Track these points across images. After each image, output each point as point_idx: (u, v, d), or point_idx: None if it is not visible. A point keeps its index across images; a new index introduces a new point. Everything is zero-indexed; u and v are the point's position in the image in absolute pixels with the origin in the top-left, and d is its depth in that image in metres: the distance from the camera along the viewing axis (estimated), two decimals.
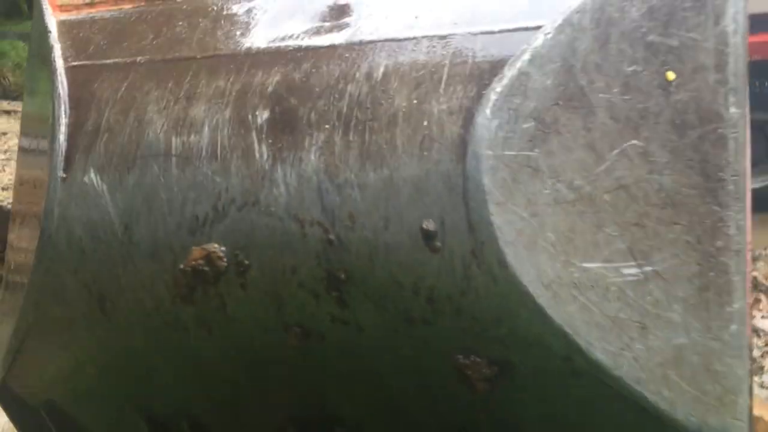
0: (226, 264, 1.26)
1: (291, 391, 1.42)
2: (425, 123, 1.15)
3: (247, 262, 1.26)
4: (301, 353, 1.32)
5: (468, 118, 1.11)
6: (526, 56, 1.12)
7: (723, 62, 1.20)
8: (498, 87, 1.10)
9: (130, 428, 1.66)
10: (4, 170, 11.59)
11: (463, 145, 1.11)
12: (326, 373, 1.36)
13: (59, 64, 1.46)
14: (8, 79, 24.04)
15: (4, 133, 14.18)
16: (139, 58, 1.42)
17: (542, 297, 1.10)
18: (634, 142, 1.17)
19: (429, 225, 1.13)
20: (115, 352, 1.52)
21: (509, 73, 1.10)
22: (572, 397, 1.21)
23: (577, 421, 1.25)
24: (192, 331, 1.38)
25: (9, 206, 10.02)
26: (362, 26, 1.29)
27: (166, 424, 1.62)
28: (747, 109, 1.22)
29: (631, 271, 1.16)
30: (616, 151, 1.16)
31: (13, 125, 15.42)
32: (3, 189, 10.65)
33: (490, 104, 1.08)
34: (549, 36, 1.14)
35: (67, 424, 1.72)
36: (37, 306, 1.50)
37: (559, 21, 1.14)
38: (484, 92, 1.10)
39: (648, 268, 1.16)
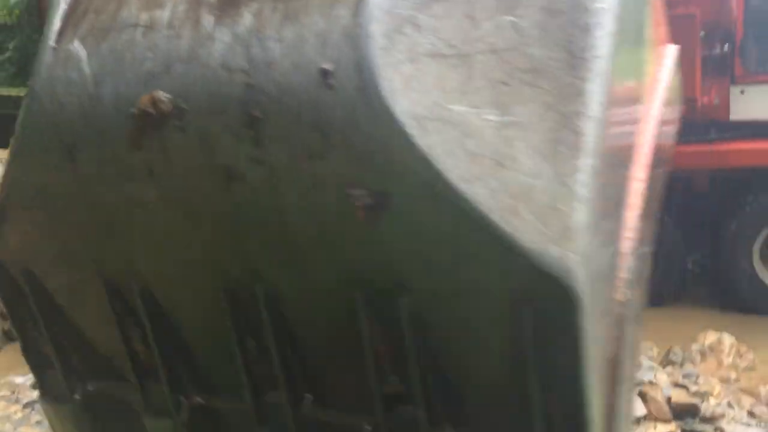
0: (169, 108, 1.52)
1: (219, 238, 1.64)
2: None
3: (185, 106, 1.52)
4: (226, 195, 1.55)
5: None
6: None
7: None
8: None
9: (92, 294, 1.90)
10: None
11: (360, 4, 1.37)
12: (247, 217, 1.57)
13: None
14: None
15: None
16: None
17: (411, 128, 1.31)
18: (509, 17, 1.43)
19: (327, 66, 1.37)
20: (78, 208, 1.76)
21: None
22: (437, 228, 1.39)
23: (443, 259, 1.44)
24: (139, 179, 1.62)
25: None
26: None
27: (121, 288, 1.86)
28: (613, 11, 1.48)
29: (492, 117, 1.38)
30: (491, 23, 1.42)
31: None
32: None
33: None
34: None
35: (41, 292, 1.98)
36: (19, 167, 1.77)
37: None
38: None
39: (508, 118, 1.39)
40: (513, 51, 1.41)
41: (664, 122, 1.87)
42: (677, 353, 5.86)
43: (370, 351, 1.62)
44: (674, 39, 6.71)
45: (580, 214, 1.37)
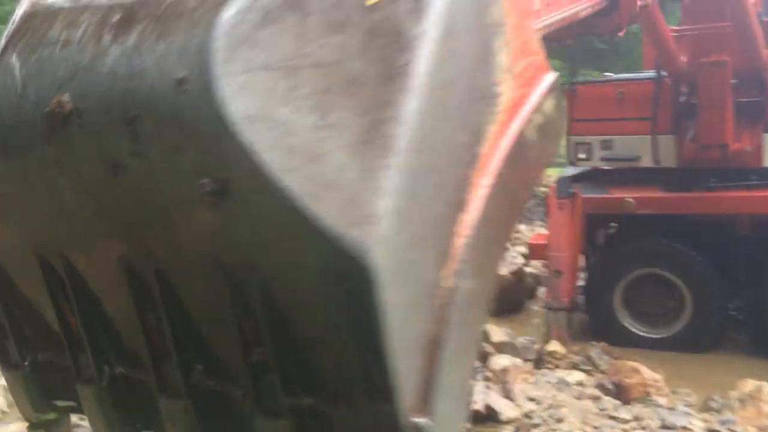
0: (71, 108, 1.80)
1: (115, 220, 1.91)
2: (196, 14, 1.68)
3: (83, 107, 1.80)
4: (116, 182, 1.81)
5: (219, 9, 1.61)
6: None
7: (478, 31, 1.84)
8: None
9: (32, 272, 2.19)
10: None
11: (213, 24, 1.61)
12: (133, 202, 1.83)
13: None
14: None
15: None
16: None
17: (242, 126, 1.54)
18: (337, 37, 1.66)
19: (181, 75, 1.62)
20: (13, 195, 2.09)
21: None
22: (266, 213, 1.61)
23: (273, 241, 1.67)
24: (52, 168, 1.92)
25: None
26: None
27: (51, 263, 2.15)
28: (431, 29, 1.74)
29: (310, 120, 1.60)
30: (319, 41, 1.65)
31: None
32: None
33: (233, 7, 1.61)
34: None
35: (7, 281, 2.32)
36: None
37: None
38: None
39: (324, 121, 1.60)
40: (336, 65, 1.66)
41: (523, 139, 2.05)
42: (717, 400, 5.74)
43: (234, 325, 1.84)
44: (706, 85, 6.79)
45: (382, 204, 1.60)
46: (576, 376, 5.44)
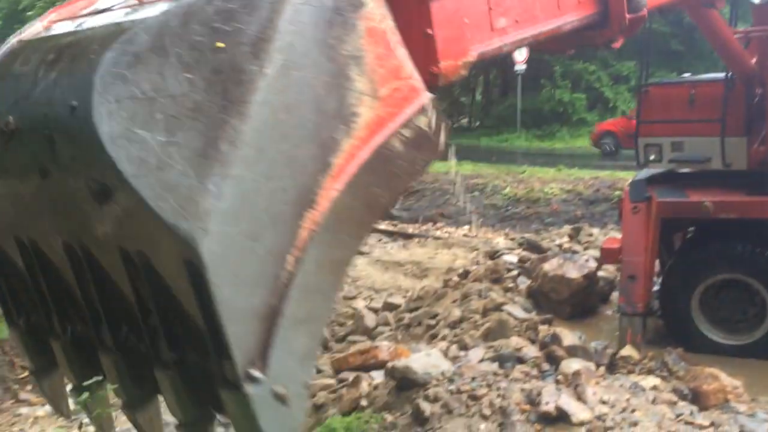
0: (14, 127, 2.31)
1: (47, 211, 2.50)
2: (91, 55, 2.15)
3: (21, 126, 2.30)
4: (44, 184, 2.36)
5: (103, 52, 2.08)
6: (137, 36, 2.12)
7: (257, 42, 2.18)
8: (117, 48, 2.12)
9: (15, 254, 2.84)
10: None
11: (95, 63, 2.08)
12: (57, 198, 2.39)
13: None
14: None
15: None
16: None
17: (109, 143, 2.00)
18: (187, 74, 2.10)
19: (74, 102, 2.09)
20: None
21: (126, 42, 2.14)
22: (130, 209, 2.10)
23: (139, 230, 2.18)
24: (10, 171, 2.51)
25: None
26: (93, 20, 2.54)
27: (30, 246, 2.76)
28: (268, 66, 2.17)
29: (162, 138, 2.06)
30: (175, 78, 2.09)
31: None
32: None
33: (112, 51, 2.11)
34: (143, 27, 2.15)
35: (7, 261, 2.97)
36: None
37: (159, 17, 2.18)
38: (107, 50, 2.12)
39: (172, 139, 2.07)
40: (184, 96, 2.10)
41: (388, 151, 2.42)
42: None
43: (135, 297, 2.47)
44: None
45: (213, 204, 2.07)
46: (651, 381, 5.33)
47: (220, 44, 2.14)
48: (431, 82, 2.70)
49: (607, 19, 3.79)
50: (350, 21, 2.34)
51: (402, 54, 2.47)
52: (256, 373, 2.16)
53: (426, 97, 2.50)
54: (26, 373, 9.03)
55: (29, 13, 39.14)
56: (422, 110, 2.47)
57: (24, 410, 8.08)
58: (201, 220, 2.03)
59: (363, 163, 2.34)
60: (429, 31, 2.69)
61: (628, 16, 3.82)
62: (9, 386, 8.73)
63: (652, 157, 7.37)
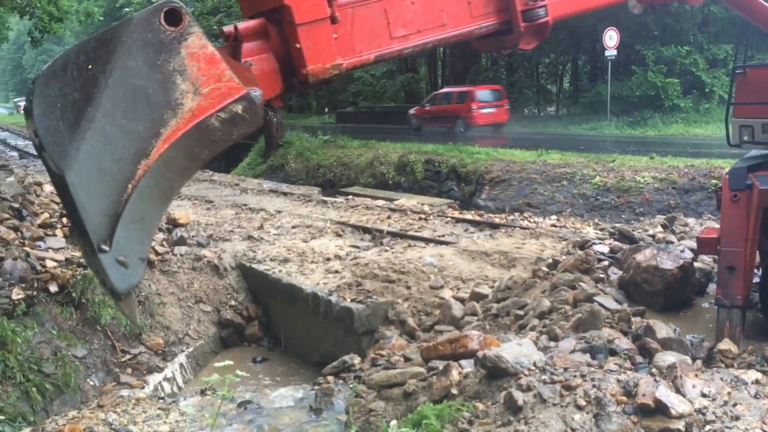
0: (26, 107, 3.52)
1: None
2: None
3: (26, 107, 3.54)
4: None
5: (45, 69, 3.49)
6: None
7: (105, 64, 3.40)
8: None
9: None
10: (274, 243, 13.47)
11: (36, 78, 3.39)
12: None
13: None
14: (291, 165, 27.61)
15: (279, 211, 16.41)
16: None
17: (37, 119, 3.41)
18: (73, 83, 3.36)
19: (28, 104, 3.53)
20: None
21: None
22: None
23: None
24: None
25: (276, 275, 11.54)
26: None
27: None
28: (109, 77, 3.42)
29: (58, 117, 3.35)
30: (68, 85, 3.36)
31: (287, 205, 17.75)
32: (272, 260, 12.40)
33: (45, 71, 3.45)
34: (59, 56, 3.47)
35: None
36: None
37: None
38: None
39: (61, 118, 3.35)
40: (70, 95, 3.37)
41: (206, 125, 3.58)
42: None
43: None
44: None
45: (76, 150, 3.36)
46: (752, 375, 5.16)
47: (90, 66, 3.38)
48: (306, 78, 3.91)
49: (510, 29, 4.49)
50: (175, 49, 3.45)
51: (222, 66, 3.57)
52: (105, 247, 3.41)
53: (242, 92, 3.58)
54: (127, 357, 9.50)
55: (127, 9, 40.80)
56: (238, 100, 3.56)
57: (125, 392, 8.47)
58: (67, 162, 3.32)
59: (185, 132, 3.51)
60: (297, 45, 3.86)
61: (522, 24, 4.46)
62: (111, 369, 9.18)
63: (745, 138, 7.16)
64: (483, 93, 31.22)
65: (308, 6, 3.80)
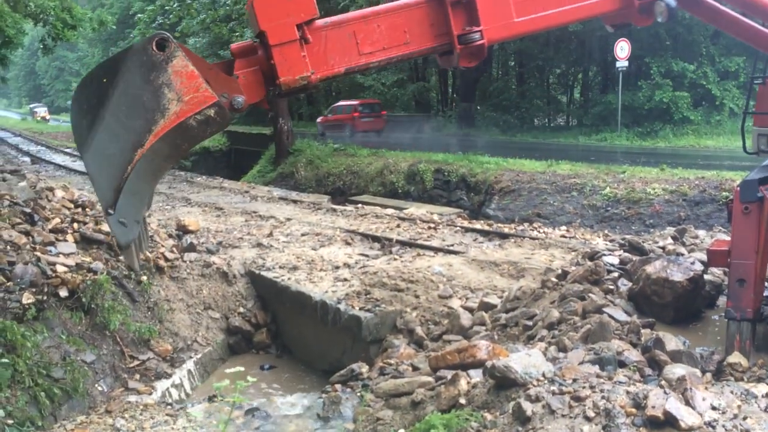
0: None
1: None
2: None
3: None
4: None
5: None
6: None
7: (112, 79, 4.46)
8: None
9: None
10: (283, 251, 13.49)
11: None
12: None
13: None
14: (301, 173, 27.68)
15: (289, 219, 16.44)
16: None
17: (72, 113, 4.70)
18: (95, 92, 4.49)
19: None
20: None
21: None
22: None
23: None
24: None
25: (285, 283, 11.56)
26: None
27: None
28: (114, 89, 4.49)
29: (84, 115, 4.53)
30: (91, 93, 4.51)
31: (297, 213, 17.78)
32: (281, 267, 12.41)
33: (80, 83, 4.82)
34: (89, 73, 4.75)
35: None
36: None
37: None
38: None
39: (87, 116, 4.51)
40: (92, 100, 4.47)
41: (186, 125, 4.53)
42: None
43: None
44: None
45: (88, 143, 4.49)
46: (762, 388, 5.13)
47: (104, 80, 4.45)
48: (281, 87, 4.80)
49: (454, 48, 5.22)
50: (163, 68, 4.43)
51: (199, 81, 4.48)
52: (111, 211, 4.42)
53: (215, 100, 4.52)
54: (135, 363, 9.53)
55: (140, 15, 41.06)
56: (211, 106, 4.51)
57: (133, 398, 8.49)
58: (85, 149, 4.47)
59: (170, 129, 4.46)
60: (272, 61, 4.78)
61: (459, 46, 5.17)
62: (119, 375, 9.20)
63: (762, 147, 7.18)
64: (364, 106, 39.26)
65: (280, 31, 4.70)
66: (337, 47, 4.93)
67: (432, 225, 15.30)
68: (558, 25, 5.95)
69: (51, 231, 10.31)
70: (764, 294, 6.88)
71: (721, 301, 7.75)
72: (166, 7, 36.43)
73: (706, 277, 7.94)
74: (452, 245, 13.35)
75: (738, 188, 6.68)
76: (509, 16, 5.34)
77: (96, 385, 8.67)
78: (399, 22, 5.09)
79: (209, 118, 4.51)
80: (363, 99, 41.68)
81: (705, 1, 6.56)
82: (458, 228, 15.01)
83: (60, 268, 9.35)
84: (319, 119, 41.51)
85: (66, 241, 10.24)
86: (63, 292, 9.11)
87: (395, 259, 12.43)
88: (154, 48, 4.39)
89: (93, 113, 4.39)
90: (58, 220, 10.63)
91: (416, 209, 18.37)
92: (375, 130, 37.96)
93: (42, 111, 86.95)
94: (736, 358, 6.01)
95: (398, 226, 15.45)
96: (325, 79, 5.03)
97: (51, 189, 11.98)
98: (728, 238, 7.20)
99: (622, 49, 29.08)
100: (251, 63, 4.84)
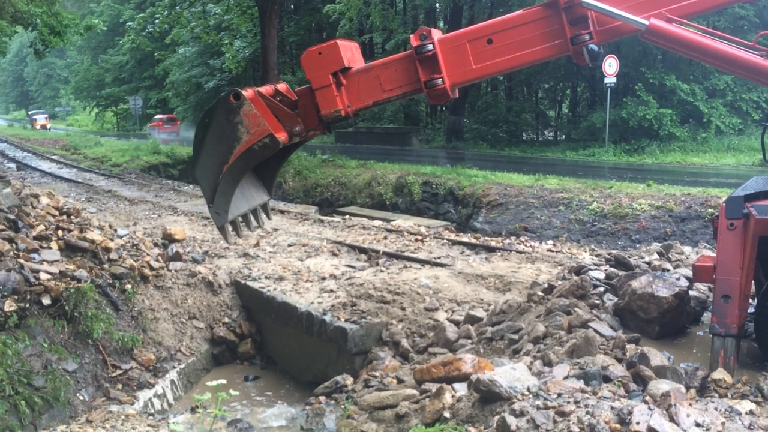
0: None
1: None
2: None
3: None
4: None
5: None
6: None
7: (208, 123, 6.20)
8: None
9: None
10: (270, 261, 13.43)
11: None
12: None
13: None
14: (288, 183, 27.65)
15: (276, 229, 16.38)
16: None
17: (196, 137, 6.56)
18: (203, 133, 6.34)
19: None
20: None
21: None
22: None
23: None
24: None
25: (271, 293, 11.51)
26: None
27: None
28: (207, 128, 6.33)
29: (200, 147, 6.40)
30: (202, 133, 6.34)
31: (284, 223, 17.72)
32: (267, 278, 12.36)
33: (199, 120, 6.55)
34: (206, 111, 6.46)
35: None
36: None
37: None
38: None
39: (200, 148, 6.40)
40: (202, 139, 6.34)
41: (252, 148, 6.12)
42: None
43: None
44: None
45: (197, 161, 6.47)
46: (746, 405, 5.13)
47: (207, 120, 6.10)
48: (324, 119, 6.31)
49: (430, 87, 6.36)
50: (237, 111, 5.95)
51: (260, 119, 5.97)
52: (210, 205, 6.25)
53: (269, 132, 5.97)
54: (118, 372, 9.44)
55: (130, 23, 41.03)
56: (267, 136, 5.95)
57: (115, 408, 8.40)
58: (195, 165, 6.28)
59: (243, 152, 5.98)
60: (315, 100, 6.28)
61: (425, 90, 6.35)
62: (101, 384, 9.11)
63: None
64: (166, 117, 62.40)
65: (319, 78, 6.29)
66: (366, 87, 6.46)
67: (419, 237, 15.29)
68: (510, 69, 6.88)
69: (35, 238, 10.22)
70: (749, 310, 6.91)
71: (706, 316, 7.78)
72: (156, 15, 36.40)
73: (691, 292, 7.97)
74: (439, 258, 13.35)
75: (724, 204, 6.71)
76: (468, 64, 6.47)
77: (77, 395, 8.58)
78: (401, 69, 6.57)
79: (266, 144, 6.06)
80: (167, 113, 65.32)
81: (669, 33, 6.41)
82: (445, 241, 15.01)
83: (43, 276, 9.27)
84: (152, 124, 62.81)
85: (50, 248, 10.16)
86: (46, 300, 9.03)
87: (382, 271, 12.40)
88: (232, 99, 6.04)
89: (200, 142, 6.19)
90: (42, 227, 10.54)
91: (404, 221, 18.37)
92: (173, 131, 59.92)
93: (42, 119, 78.50)
94: (720, 374, 6.01)
95: (385, 237, 15.43)
96: (359, 110, 6.56)
97: (36, 196, 11.89)
98: (714, 254, 7.23)
99: (611, 66, 29.30)
100: (306, 101, 6.41)
